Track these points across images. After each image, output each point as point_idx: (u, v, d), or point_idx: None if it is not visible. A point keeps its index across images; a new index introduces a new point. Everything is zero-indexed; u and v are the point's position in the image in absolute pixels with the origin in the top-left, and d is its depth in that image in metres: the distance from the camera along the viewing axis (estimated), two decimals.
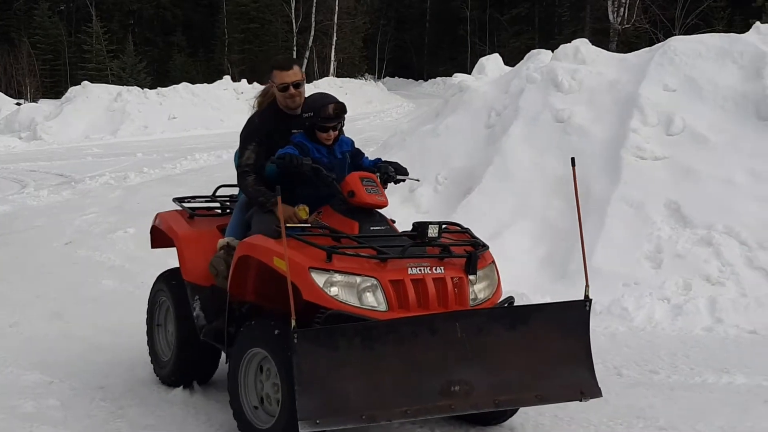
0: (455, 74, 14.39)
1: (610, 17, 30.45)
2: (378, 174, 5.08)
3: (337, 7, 47.50)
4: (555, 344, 4.40)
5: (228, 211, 5.84)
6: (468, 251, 4.59)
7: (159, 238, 6.13)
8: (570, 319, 4.49)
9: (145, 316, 6.12)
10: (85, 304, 8.19)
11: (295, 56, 45.96)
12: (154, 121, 29.24)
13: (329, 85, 37.34)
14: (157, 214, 6.15)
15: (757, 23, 10.98)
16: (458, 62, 51.20)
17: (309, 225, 4.62)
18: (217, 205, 6.07)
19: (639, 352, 6.46)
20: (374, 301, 4.27)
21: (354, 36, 52.34)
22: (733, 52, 10.08)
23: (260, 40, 50.93)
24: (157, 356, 5.96)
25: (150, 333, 6.05)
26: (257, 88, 34.87)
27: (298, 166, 4.77)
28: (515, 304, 4.80)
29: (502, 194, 9.35)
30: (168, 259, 9.84)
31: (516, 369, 4.28)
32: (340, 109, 4.98)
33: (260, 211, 5.06)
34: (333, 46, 47.40)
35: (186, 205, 6.00)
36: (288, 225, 4.51)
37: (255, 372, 4.59)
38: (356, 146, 5.32)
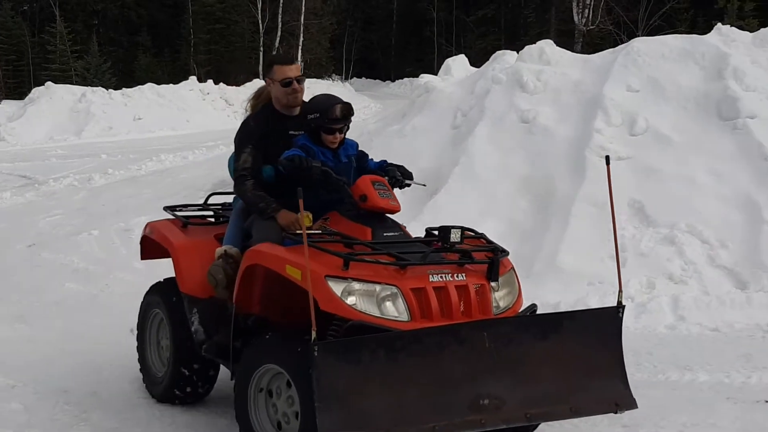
0: (422, 75, 14.40)
1: (575, 18, 30.67)
2: (386, 178, 4.81)
3: (303, 8, 47.35)
4: (587, 353, 4.19)
5: (222, 219, 5.60)
6: (489, 257, 4.36)
7: (150, 248, 5.83)
8: (602, 327, 4.27)
9: (118, 322, 6.01)
10: (48, 307, 8.11)
11: (261, 57, 45.78)
12: (119, 122, 28.94)
13: None
14: (147, 224, 5.88)
15: (719, 25, 11.14)
16: (425, 63, 51.27)
17: (319, 232, 4.38)
18: (210, 213, 5.83)
19: None
20: (395, 310, 4.02)
21: (321, 37, 52.22)
22: (695, 53, 10.21)
23: (226, 40, 50.63)
24: (150, 373, 5.67)
25: (141, 348, 5.77)
26: (223, 88, 34.88)
27: (308, 168, 4.55)
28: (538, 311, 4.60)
29: (468, 194, 9.39)
30: (134, 261, 9.82)
31: (547, 380, 4.04)
32: (348, 110, 4.76)
33: (260, 218, 4.83)
34: (300, 47, 47.20)
35: (179, 213, 5.74)
36: (291, 233, 4.41)
37: (265, 394, 4.34)
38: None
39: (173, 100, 32.50)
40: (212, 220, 5.75)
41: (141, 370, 5.73)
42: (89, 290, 8.75)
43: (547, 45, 11.51)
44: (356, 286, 4.00)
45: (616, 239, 4.54)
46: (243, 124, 5.13)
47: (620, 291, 4.30)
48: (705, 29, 11.59)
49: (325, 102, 4.79)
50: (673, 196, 8.53)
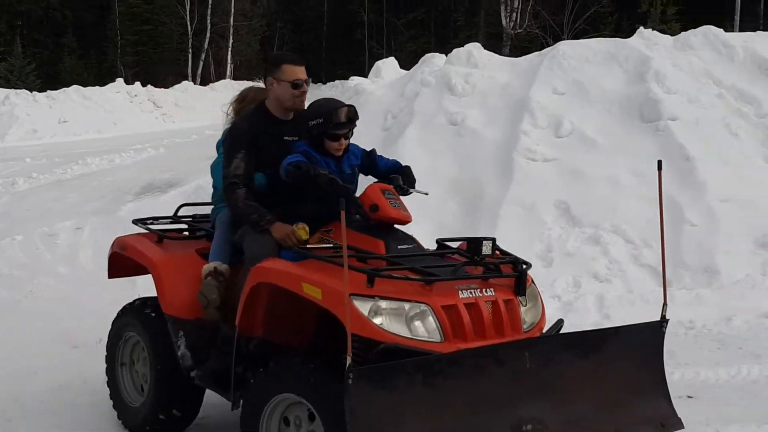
0: (352, 77, 14.40)
1: (503, 22, 31.05)
2: (392, 185, 4.48)
3: (233, 9, 47.01)
4: (630, 371, 3.95)
5: (202, 233, 5.15)
6: (516, 270, 4.08)
7: (119, 266, 5.40)
8: (645, 343, 4.04)
9: (43, 327, 5.73)
10: None
11: (190, 59, 45.32)
12: (43, 125, 28.30)
13: (226, 88, 36.95)
14: (116, 240, 5.39)
15: (641, 28, 11.41)
16: (356, 65, 51.25)
17: (330, 245, 4.08)
18: (184, 226, 5.44)
19: None
20: (425, 330, 3.70)
21: (251, 38, 51.86)
22: (619, 56, 10.44)
23: (154, 42, 49.91)
24: (124, 402, 5.16)
25: (112, 374, 5.25)
26: (151, 91, 34.37)
27: (315, 176, 4.19)
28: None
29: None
30: (58, 266, 9.63)
31: (590, 401, 3.80)
32: (354, 113, 4.41)
33: (253, 230, 4.43)
34: (229, 49, 46.87)
35: (152, 227, 5.30)
36: (289, 247, 4.14)
37: (279, 423, 3.97)
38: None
39: (100, 102, 31.93)
40: (187, 233, 5.36)
41: (112, 398, 5.24)
42: (13, 296, 8.54)
43: (474, 48, 11.63)
44: (383, 304, 3.67)
45: (663, 250, 4.22)
46: (234, 126, 4.74)
47: (665, 304, 4.09)
48: (629, 33, 11.86)
49: (328, 105, 4.44)
50: (598, 197, 8.71)
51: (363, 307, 3.63)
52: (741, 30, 25.97)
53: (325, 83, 56.55)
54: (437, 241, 4.47)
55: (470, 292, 3.82)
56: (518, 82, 10.57)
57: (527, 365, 3.63)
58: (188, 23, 46.99)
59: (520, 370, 3.61)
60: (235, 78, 46.71)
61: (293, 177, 4.23)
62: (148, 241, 5.14)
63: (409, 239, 4.23)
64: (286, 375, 3.87)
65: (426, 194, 4.75)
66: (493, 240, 4.13)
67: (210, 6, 46.83)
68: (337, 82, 50.34)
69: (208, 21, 46.94)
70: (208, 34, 46.91)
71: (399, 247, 4.10)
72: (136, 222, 5.42)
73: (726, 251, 8.02)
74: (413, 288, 3.76)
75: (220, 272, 4.56)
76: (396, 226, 4.25)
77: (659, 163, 4.11)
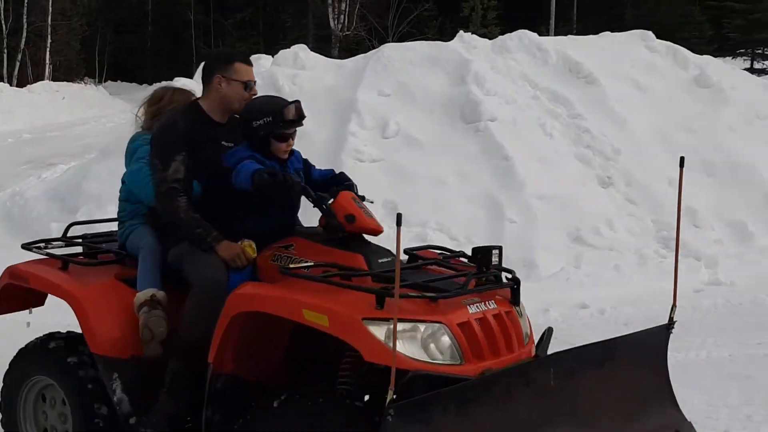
0: (176, 78, 14.14)
1: (331, 24, 31.28)
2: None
3: (50, 8, 45.08)
4: (643, 379, 3.77)
5: (118, 258, 4.37)
6: (511, 279, 3.81)
7: (11, 299, 4.64)
8: (652, 347, 3.85)
9: None
10: None
11: (6, 60, 43.14)
12: None
13: (44, 89, 35.41)
14: (8, 269, 4.57)
15: (461, 32, 11.82)
16: (182, 66, 50.33)
17: (306, 265, 3.65)
18: (78, 249, 4.70)
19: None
20: (441, 351, 3.36)
21: (71, 38, 49.84)
22: (441, 59, 10.76)
23: None
24: None
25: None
26: None
27: (291, 185, 3.75)
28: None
29: None
30: None
31: (609, 413, 3.61)
32: (302, 110, 4.00)
33: (197, 247, 3.89)
34: (48, 49, 44.92)
35: (48, 250, 4.53)
36: (238, 268, 3.75)
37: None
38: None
39: None
40: (85, 257, 4.57)
41: None
42: None
43: (301, 50, 11.69)
44: (398, 326, 3.18)
45: (678, 250, 3.88)
46: (168, 123, 4.15)
47: (674, 306, 3.83)
48: (452, 36, 12.24)
49: (274, 103, 4.02)
50: (423, 196, 8.94)
51: (378, 331, 3.25)
52: (556, 34, 27.29)
53: (151, 84, 55.24)
54: (405, 251, 4.09)
55: (477, 306, 3.51)
56: (345, 84, 10.70)
57: (551, 383, 3.39)
58: (2, 22, 44.69)
59: (545, 388, 3.37)
60: (54, 79, 44.76)
61: (265, 186, 3.72)
62: (53, 269, 4.38)
63: (387, 252, 3.82)
64: (282, 417, 3.46)
65: (372, 203, 4.15)
66: (500, 248, 3.78)
67: (26, 4, 44.72)
68: (162, 83, 49.29)
69: (24, 20, 44.77)
70: (24, 34, 44.74)
71: (379, 261, 3.71)
72: (27, 247, 4.61)
73: (543, 246, 8.42)
74: (420, 306, 3.40)
75: (158, 301, 3.95)
76: (366, 237, 3.85)
77: (681, 159, 3.61)
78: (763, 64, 33.25)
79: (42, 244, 4.60)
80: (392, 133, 9.82)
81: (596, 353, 3.63)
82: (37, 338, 4.47)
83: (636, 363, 3.76)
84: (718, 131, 10.75)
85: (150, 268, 4.08)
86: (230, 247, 3.83)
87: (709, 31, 36.25)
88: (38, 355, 4.36)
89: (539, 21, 31.05)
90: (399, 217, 3.04)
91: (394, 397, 2.90)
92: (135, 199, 4.35)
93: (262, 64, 11.93)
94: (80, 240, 4.72)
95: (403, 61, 10.81)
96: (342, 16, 30.32)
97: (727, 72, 12.76)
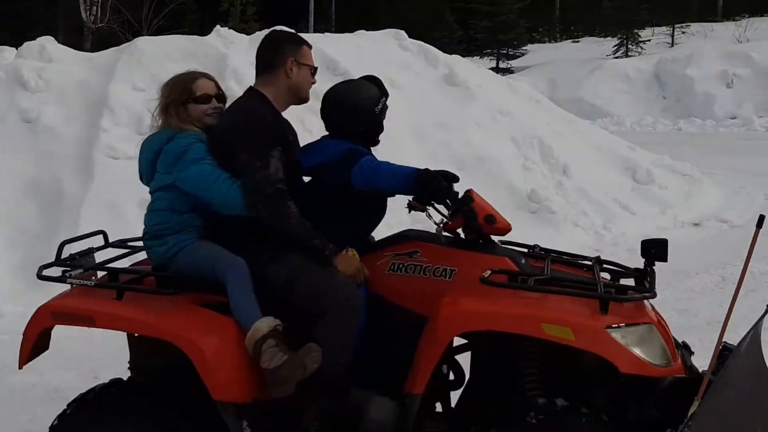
0: None
1: (83, 16, 29.89)
2: None
3: None
4: None
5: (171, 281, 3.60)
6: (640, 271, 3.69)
7: (40, 342, 3.75)
8: None
9: None
10: None
11: None
12: None
13: None
14: (47, 309, 3.69)
15: (218, 26, 11.74)
16: None
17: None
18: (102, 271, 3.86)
19: None
20: (655, 353, 3.19)
21: None
22: (198, 53, 10.63)
23: None
24: None
25: None
26: None
27: (448, 187, 3.50)
28: None
29: None
30: None
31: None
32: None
33: (314, 260, 3.39)
34: None
35: (74, 279, 3.72)
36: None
37: None
38: None
39: None
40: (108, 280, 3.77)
41: None
42: None
43: (48, 42, 11.13)
44: (629, 331, 3.15)
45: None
46: (254, 113, 3.53)
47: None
48: (211, 30, 12.14)
49: (366, 85, 3.86)
50: None
51: (622, 340, 3.12)
52: (315, 31, 27.71)
53: None
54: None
55: (649, 304, 3.43)
56: (96, 78, 10.30)
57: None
58: None
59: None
60: None
61: (434, 188, 3.45)
62: (111, 302, 3.58)
63: (519, 253, 3.66)
64: None
65: None
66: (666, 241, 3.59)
67: None
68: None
69: None
70: None
71: (523, 262, 3.54)
72: (51, 278, 3.77)
73: None
74: (626, 309, 3.29)
75: (281, 332, 3.34)
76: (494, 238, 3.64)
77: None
78: (508, 63, 35.48)
79: (68, 271, 3.78)
80: (148, 129, 9.54)
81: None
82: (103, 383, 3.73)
83: None
84: (467, 127, 11.35)
85: (248, 293, 3.39)
86: (349, 261, 3.42)
87: (458, 31, 38.24)
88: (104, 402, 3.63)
89: (299, 18, 31.41)
90: (761, 219, 2.98)
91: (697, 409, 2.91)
92: (186, 209, 3.64)
93: (5, 56, 11.23)
94: (110, 264, 3.96)
95: (157, 54, 10.55)
96: (95, 8, 29.04)
97: (474, 71, 13.50)
